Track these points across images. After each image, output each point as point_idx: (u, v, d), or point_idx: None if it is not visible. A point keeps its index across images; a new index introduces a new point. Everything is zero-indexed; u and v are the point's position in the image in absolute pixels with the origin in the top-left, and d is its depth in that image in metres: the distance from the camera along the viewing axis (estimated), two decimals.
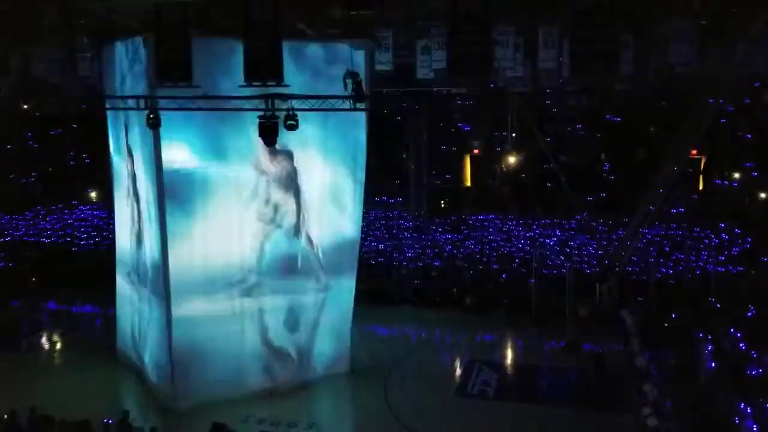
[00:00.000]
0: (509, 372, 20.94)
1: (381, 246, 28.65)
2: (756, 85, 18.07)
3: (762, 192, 25.43)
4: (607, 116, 28.62)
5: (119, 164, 20.09)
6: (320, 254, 18.92)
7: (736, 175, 26.59)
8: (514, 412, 17.84)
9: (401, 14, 16.60)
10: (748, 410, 15.05)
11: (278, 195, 18.16)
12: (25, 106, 21.52)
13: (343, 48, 17.06)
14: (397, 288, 26.79)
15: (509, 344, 23.23)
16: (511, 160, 27.29)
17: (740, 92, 21.08)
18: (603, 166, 28.92)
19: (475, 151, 30.41)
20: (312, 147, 18.18)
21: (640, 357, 18.55)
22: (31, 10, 16.15)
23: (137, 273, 19.32)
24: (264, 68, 13.46)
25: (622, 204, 26.19)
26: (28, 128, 31.93)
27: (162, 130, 15.86)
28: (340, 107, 15.35)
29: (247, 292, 18.09)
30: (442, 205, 30.24)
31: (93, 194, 32.30)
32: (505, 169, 29.36)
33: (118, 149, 19.95)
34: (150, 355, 18.74)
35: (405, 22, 17.18)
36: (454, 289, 26.35)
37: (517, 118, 26.22)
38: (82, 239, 30.83)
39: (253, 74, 13.55)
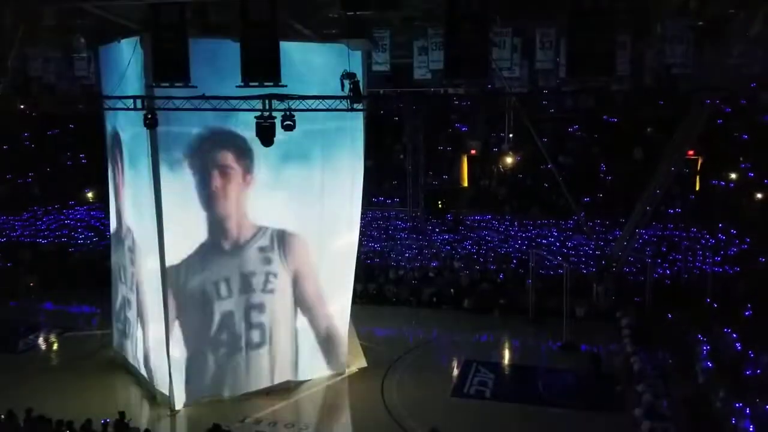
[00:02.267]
0: (506, 372, 20.93)
1: (378, 247, 28.65)
2: (752, 85, 18.09)
3: (758, 192, 25.45)
4: (604, 117, 28.66)
5: (113, 165, 20.08)
6: (317, 255, 18.93)
7: (733, 176, 26.62)
8: (511, 412, 17.84)
9: (399, 15, 16.63)
10: (746, 411, 15.09)
11: (273, 201, 18.20)
12: (22, 106, 21.50)
13: (340, 48, 17.06)
14: (394, 288, 26.79)
15: (506, 345, 23.25)
16: (508, 160, 27.28)
17: (737, 93, 21.09)
18: (600, 167, 28.94)
19: (473, 152, 30.44)
20: (309, 148, 18.16)
21: (635, 358, 18.60)
22: (28, 11, 16.14)
23: (132, 273, 19.29)
24: (261, 69, 13.46)
25: (619, 204, 26.21)
26: (25, 128, 31.93)
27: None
28: (338, 108, 15.34)
29: (244, 292, 18.09)
30: (440, 206, 30.24)
31: (90, 194, 32.24)
32: (502, 170, 29.40)
33: (113, 149, 19.93)
34: (147, 355, 18.70)
35: (402, 23, 17.21)
36: (452, 290, 26.36)
37: (514, 118, 26.22)
38: (79, 239, 30.79)
39: (250, 74, 13.54)
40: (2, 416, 15.10)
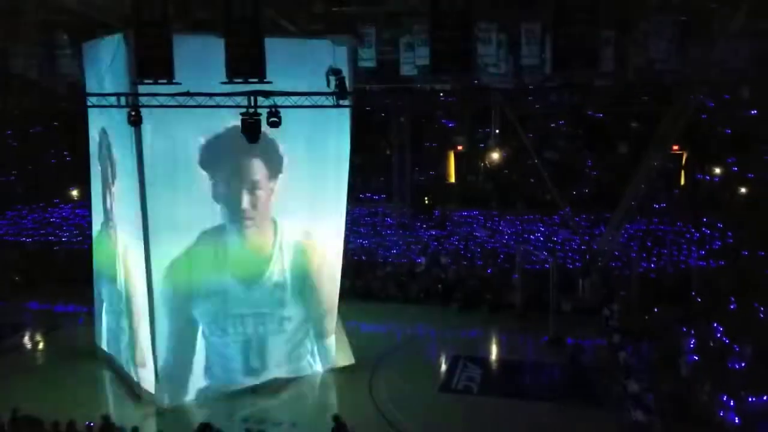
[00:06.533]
0: (493, 367, 21.01)
1: (365, 243, 28.64)
2: (735, 80, 18.23)
3: (742, 186, 25.67)
4: (589, 112, 28.81)
5: (98, 163, 19.94)
6: (304, 252, 18.91)
7: (717, 170, 26.83)
8: (499, 407, 17.90)
9: (383, 10, 16.62)
10: (731, 403, 15.22)
11: (259, 196, 18.17)
12: (4, 104, 21.26)
13: (325, 44, 17.00)
14: (381, 284, 26.79)
15: (493, 340, 23.32)
16: (495, 156, 27.38)
17: (720, 88, 21.23)
18: (585, 162, 29.08)
19: (459, 148, 30.52)
20: (295, 144, 18.13)
21: (622, 351, 18.72)
22: (10, 7, 15.98)
23: (118, 272, 19.18)
24: (246, 65, 13.37)
25: (604, 199, 26.35)
26: (8, 126, 31.65)
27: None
28: (323, 104, 15.30)
29: (233, 290, 18.06)
30: (426, 202, 30.28)
31: (74, 192, 32.05)
32: (488, 165, 29.51)
33: (97, 147, 19.79)
34: (133, 354, 18.61)
35: (388, 19, 17.19)
36: (439, 285, 26.41)
37: (500, 114, 26.29)
38: (64, 238, 30.57)
39: (235, 71, 13.46)
40: None
